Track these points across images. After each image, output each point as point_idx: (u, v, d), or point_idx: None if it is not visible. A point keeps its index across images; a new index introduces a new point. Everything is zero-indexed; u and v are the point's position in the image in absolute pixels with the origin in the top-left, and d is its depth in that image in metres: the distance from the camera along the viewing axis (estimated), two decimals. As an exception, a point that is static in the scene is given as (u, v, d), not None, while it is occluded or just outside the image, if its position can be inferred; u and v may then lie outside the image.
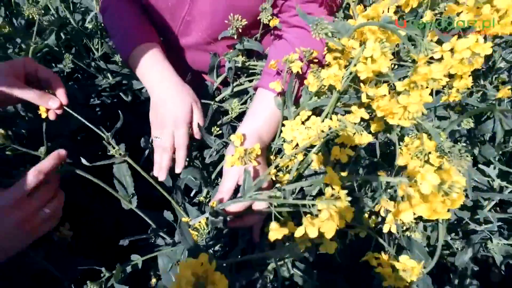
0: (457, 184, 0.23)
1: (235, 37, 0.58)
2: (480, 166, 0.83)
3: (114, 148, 0.44)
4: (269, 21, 0.54)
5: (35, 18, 0.68)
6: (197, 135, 0.61)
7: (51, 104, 0.52)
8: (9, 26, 0.74)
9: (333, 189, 0.25)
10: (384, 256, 0.35)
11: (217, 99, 0.69)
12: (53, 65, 0.97)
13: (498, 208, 1.00)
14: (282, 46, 0.59)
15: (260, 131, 0.53)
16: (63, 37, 0.93)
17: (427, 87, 0.35)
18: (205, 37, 0.68)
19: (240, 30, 0.57)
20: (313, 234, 0.24)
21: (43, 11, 0.66)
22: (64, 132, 0.69)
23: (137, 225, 0.62)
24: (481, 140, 0.96)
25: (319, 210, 0.24)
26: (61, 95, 0.52)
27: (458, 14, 0.41)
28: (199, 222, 0.47)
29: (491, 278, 1.22)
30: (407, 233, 0.58)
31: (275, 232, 0.27)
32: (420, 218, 0.87)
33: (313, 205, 0.25)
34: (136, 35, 0.64)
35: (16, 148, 0.44)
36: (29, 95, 0.49)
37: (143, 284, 0.67)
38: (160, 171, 0.58)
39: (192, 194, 0.71)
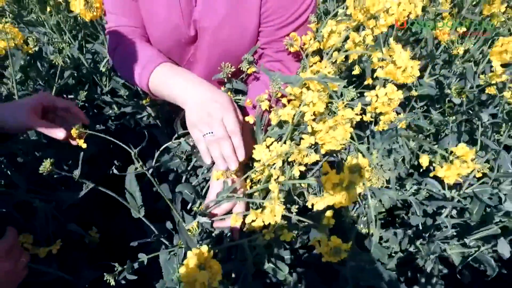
0: (357, 184, 0.38)
1: (225, 79, 0.74)
2: (430, 180, 0.98)
3: (139, 162, 0.57)
4: (247, 69, 0.71)
5: (58, 64, 0.84)
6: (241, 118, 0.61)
7: (59, 134, 0.60)
8: (34, 69, 0.89)
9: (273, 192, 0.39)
10: (323, 238, 0.48)
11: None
12: (64, 96, 1.12)
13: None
14: (258, 86, 0.75)
15: None
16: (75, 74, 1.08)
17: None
18: (202, 76, 0.83)
19: (229, 75, 0.73)
20: (258, 223, 0.38)
21: (67, 60, 0.82)
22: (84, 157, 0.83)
23: (140, 236, 0.73)
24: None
25: (265, 207, 0.39)
26: (82, 118, 0.63)
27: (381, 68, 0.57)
28: (192, 225, 0.61)
29: (462, 280, 1.33)
30: (364, 230, 0.71)
31: (234, 219, 0.41)
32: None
33: (262, 203, 0.39)
34: (154, 58, 0.69)
35: (59, 172, 0.56)
36: (41, 128, 0.60)
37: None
38: (227, 161, 0.55)
39: (188, 207, 0.84)
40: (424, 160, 0.45)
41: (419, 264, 1.17)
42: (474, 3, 0.97)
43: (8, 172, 0.76)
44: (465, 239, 0.98)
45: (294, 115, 0.52)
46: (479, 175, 0.72)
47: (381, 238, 1.10)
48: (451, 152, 0.42)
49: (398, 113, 1.21)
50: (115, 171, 0.59)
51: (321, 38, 0.68)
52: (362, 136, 0.70)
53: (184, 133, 0.75)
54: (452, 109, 1.13)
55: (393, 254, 1.11)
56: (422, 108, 1.23)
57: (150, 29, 0.77)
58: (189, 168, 0.82)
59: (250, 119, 0.63)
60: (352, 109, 0.47)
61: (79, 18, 0.96)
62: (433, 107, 1.20)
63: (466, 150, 0.42)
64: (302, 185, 0.57)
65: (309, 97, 0.50)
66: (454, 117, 0.96)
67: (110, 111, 1.12)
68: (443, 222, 1.02)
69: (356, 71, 0.58)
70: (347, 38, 0.62)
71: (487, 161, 0.97)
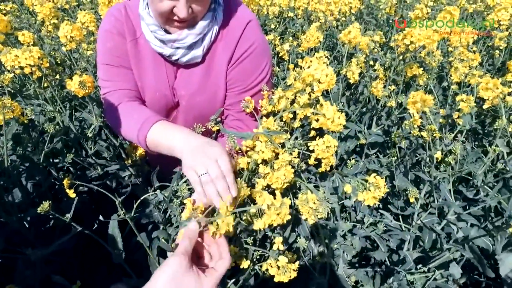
0: (285, 204, 0.49)
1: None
2: (386, 213, 1.10)
3: (122, 210, 0.65)
4: (212, 127, 0.85)
5: (50, 131, 0.96)
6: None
7: None
8: (26, 136, 1.00)
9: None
10: (274, 261, 0.56)
11: (184, 179, 0.95)
12: (51, 160, 1.21)
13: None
14: (223, 141, 0.89)
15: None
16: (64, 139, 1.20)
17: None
18: None
19: (200, 133, 0.87)
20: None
21: (57, 127, 0.94)
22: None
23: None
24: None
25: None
26: None
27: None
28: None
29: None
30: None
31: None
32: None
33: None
34: (153, 116, 0.82)
35: (53, 214, 0.63)
36: None
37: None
38: (222, 196, 0.58)
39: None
40: (347, 187, 0.57)
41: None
42: (401, 67, 1.22)
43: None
44: (425, 267, 1.06)
45: (248, 163, 0.65)
46: (412, 199, 0.86)
47: (357, 282, 1.16)
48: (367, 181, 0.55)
49: (357, 161, 1.37)
50: (101, 217, 0.67)
51: (273, 102, 0.85)
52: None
53: (160, 185, 0.85)
54: (400, 152, 1.30)
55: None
56: (375, 154, 1.40)
57: (143, 95, 0.93)
58: (166, 217, 0.90)
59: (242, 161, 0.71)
60: (291, 154, 0.60)
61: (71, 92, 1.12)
62: (383, 153, 1.38)
63: (378, 179, 0.55)
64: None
65: (259, 146, 0.63)
66: (395, 158, 1.12)
67: (94, 172, 1.21)
68: (406, 256, 1.11)
69: (296, 124, 0.73)
70: (293, 101, 0.79)
71: (430, 193, 1.10)
